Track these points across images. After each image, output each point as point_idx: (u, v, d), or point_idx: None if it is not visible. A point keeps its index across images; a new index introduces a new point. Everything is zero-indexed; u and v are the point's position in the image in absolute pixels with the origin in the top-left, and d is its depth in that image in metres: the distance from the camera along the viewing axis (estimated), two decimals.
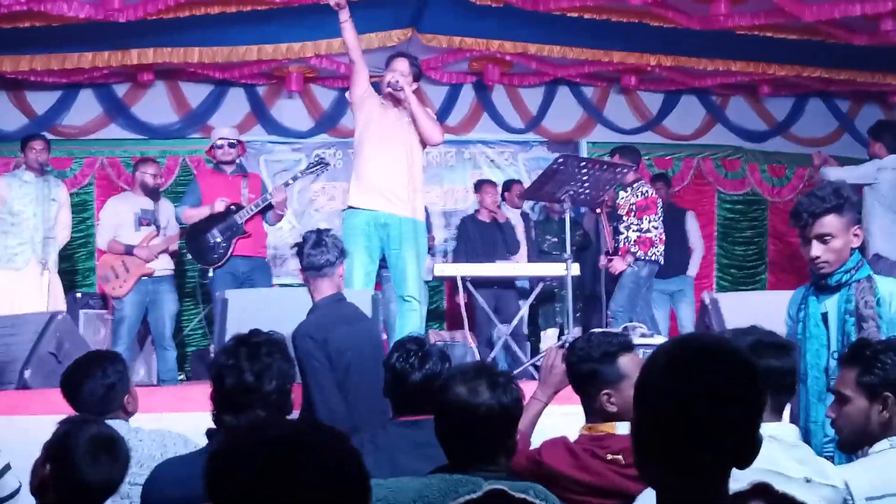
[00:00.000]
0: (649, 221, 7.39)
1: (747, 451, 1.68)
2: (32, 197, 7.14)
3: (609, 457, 2.82)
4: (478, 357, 7.56)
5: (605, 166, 6.62)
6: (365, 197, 5.73)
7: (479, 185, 8.57)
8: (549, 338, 7.96)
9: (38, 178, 7.20)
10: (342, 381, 4.02)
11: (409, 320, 5.66)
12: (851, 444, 2.94)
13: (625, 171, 7.03)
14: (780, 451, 2.62)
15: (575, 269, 6.80)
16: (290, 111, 9.46)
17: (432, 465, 2.63)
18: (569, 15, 7.60)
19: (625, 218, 7.35)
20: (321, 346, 4.01)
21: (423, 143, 5.87)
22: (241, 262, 7.01)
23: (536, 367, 6.78)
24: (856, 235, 3.52)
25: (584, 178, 6.39)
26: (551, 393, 3.31)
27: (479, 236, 8.25)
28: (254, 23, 7.70)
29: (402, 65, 5.84)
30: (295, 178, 7.57)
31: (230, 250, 6.98)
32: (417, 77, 6.01)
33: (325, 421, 3.68)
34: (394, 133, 5.76)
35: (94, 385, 3.40)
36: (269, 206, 7.04)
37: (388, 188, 5.67)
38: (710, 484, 1.67)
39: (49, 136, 8.76)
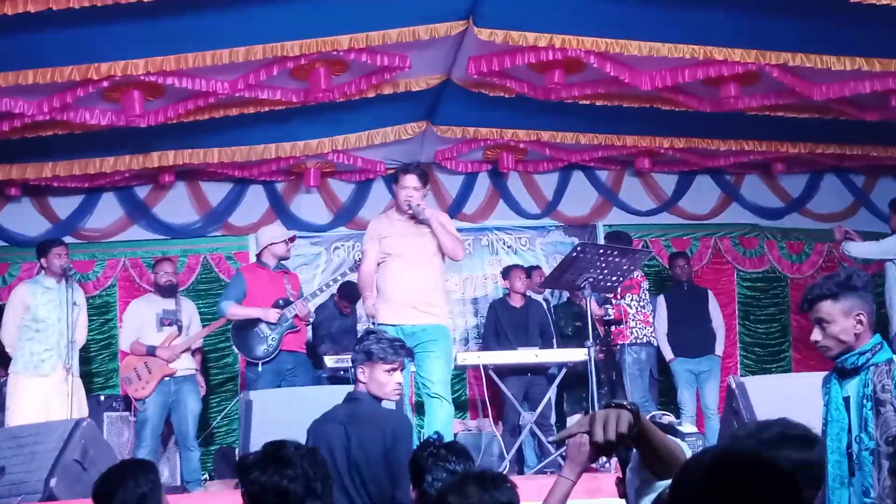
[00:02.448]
0: (636, 301, 7.43)
1: None
2: (56, 303, 7.20)
3: None
4: (503, 446, 7.49)
5: (623, 252, 6.62)
6: (392, 314, 5.88)
7: (508, 272, 8.50)
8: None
9: (59, 283, 7.26)
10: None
11: (438, 416, 5.74)
12: None
13: (643, 256, 7.04)
14: None
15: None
16: (309, 206, 9.55)
17: None
18: (580, 102, 7.69)
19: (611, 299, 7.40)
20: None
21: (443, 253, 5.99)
22: (286, 358, 7.01)
23: (564, 458, 6.70)
24: (858, 321, 3.53)
25: (603, 264, 6.38)
26: (579, 471, 3.23)
27: (510, 321, 8.17)
28: (271, 122, 7.82)
29: (412, 181, 5.93)
30: (335, 281, 7.68)
31: (279, 344, 6.98)
32: (426, 181, 6.13)
33: None
34: (412, 247, 5.91)
35: (126, 495, 3.36)
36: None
37: (413, 301, 5.82)
38: None
39: (72, 240, 8.91)
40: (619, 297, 7.40)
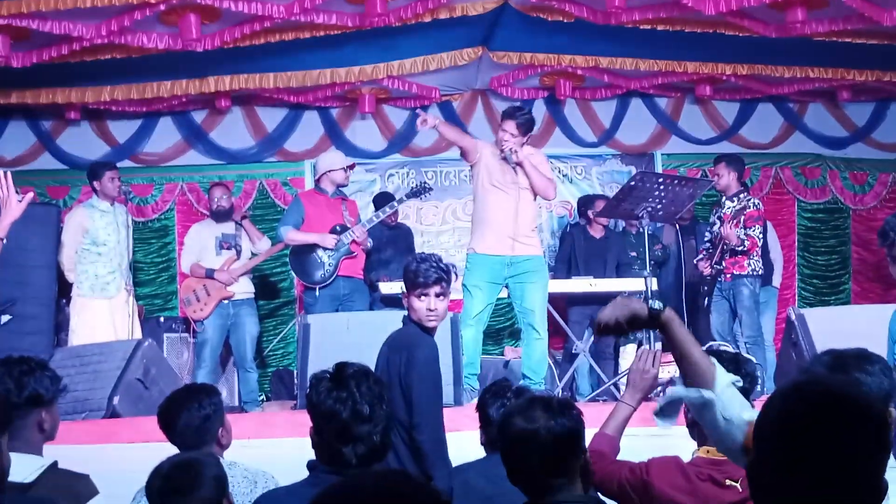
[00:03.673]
0: (757, 232, 7.27)
1: (872, 497, 1.63)
2: (114, 226, 7.31)
3: (728, 482, 2.76)
4: (555, 374, 7.51)
5: (683, 181, 6.54)
6: (490, 242, 6.19)
7: (592, 201, 8.29)
8: (628, 354, 7.84)
9: (112, 206, 7.36)
10: None
11: (535, 349, 6.10)
12: None
13: (703, 185, 6.94)
14: None
15: (654, 283, 6.72)
16: (363, 132, 9.51)
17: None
18: (641, 27, 7.52)
19: (734, 227, 7.17)
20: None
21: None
22: (343, 283, 7.07)
23: (617, 387, 6.72)
24: None
25: (662, 194, 6.31)
26: (640, 398, 3.23)
27: (586, 251, 8.04)
28: (327, 47, 7.78)
29: (510, 127, 6.17)
30: (400, 201, 7.66)
31: (336, 270, 7.03)
32: (530, 128, 6.34)
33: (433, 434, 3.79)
34: (511, 183, 6.16)
35: (191, 417, 3.43)
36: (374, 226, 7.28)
37: (511, 232, 6.09)
38: None
39: (130, 164, 9.02)
40: (750, 225, 7.21)
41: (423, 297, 4.04)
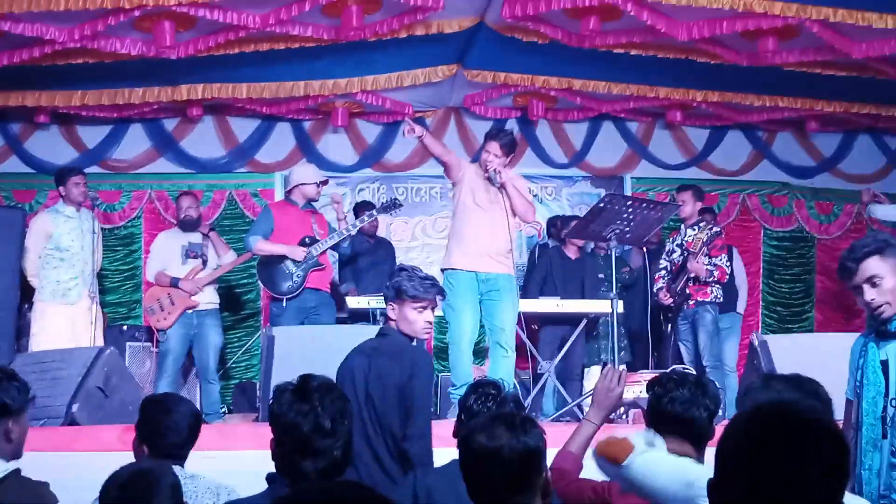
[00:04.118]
0: (724, 261, 7.37)
1: None
2: (78, 231, 7.25)
3: None
4: (519, 394, 7.49)
5: (651, 205, 6.58)
6: (467, 259, 6.21)
7: (567, 222, 8.22)
8: (592, 375, 7.87)
9: (78, 211, 7.30)
10: None
11: (502, 366, 6.11)
12: None
13: (671, 209, 6.99)
14: None
15: (620, 306, 6.74)
16: (336, 146, 9.51)
17: None
18: (615, 51, 7.58)
19: (698, 256, 7.25)
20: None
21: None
22: (310, 296, 7.02)
23: (580, 408, 6.72)
24: None
25: (630, 216, 6.34)
26: (604, 416, 3.24)
27: (563, 272, 7.98)
28: (302, 59, 7.77)
29: (494, 148, 6.19)
30: (370, 216, 7.63)
31: (304, 282, 6.99)
32: (513, 149, 6.39)
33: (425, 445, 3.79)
34: (492, 200, 6.21)
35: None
36: (344, 240, 7.20)
37: (488, 249, 6.15)
38: None
39: (98, 170, 8.94)
40: (716, 255, 7.32)
41: (421, 310, 4.07)
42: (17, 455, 3.12)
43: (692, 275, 7.30)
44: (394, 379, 3.89)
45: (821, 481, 1.63)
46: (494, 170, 6.13)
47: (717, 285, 7.42)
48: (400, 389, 3.87)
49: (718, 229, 7.62)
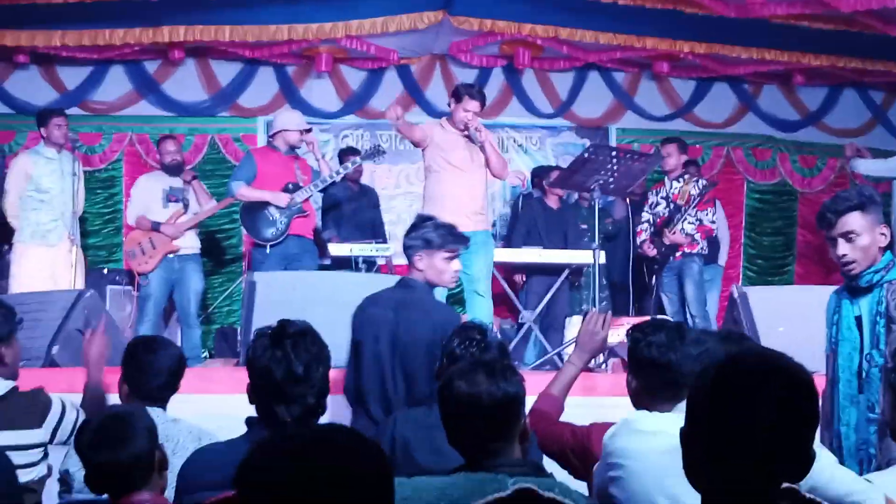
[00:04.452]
0: (707, 215, 7.41)
1: (800, 466, 1.66)
2: (59, 173, 7.16)
3: None
4: (504, 342, 7.54)
5: (635, 156, 6.56)
6: (447, 219, 6.09)
7: (548, 172, 8.25)
8: (573, 325, 7.90)
9: (59, 153, 7.22)
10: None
11: (480, 308, 6.21)
12: None
13: (655, 160, 6.99)
14: None
15: (602, 257, 6.76)
16: (319, 92, 9.43)
17: None
18: (602, 1, 7.53)
19: (685, 208, 7.30)
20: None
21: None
22: (293, 242, 6.98)
23: (561, 357, 6.77)
24: (882, 234, 3.47)
25: (615, 167, 6.33)
26: (587, 359, 3.27)
27: (546, 222, 8.00)
28: (285, 2, 7.69)
29: (474, 106, 6.22)
30: (354, 163, 7.57)
31: (288, 228, 6.95)
32: (484, 107, 6.44)
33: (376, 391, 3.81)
34: (464, 158, 6.26)
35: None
36: (329, 185, 7.18)
37: (462, 208, 6.14)
38: (757, 497, 1.65)
39: (79, 112, 8.84)
40: (703, 208, 7.36)
41: (450, 260, 4.10)
42: (13, 376, 3.53)
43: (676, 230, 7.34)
44: (426, 335, 3.88)
45: (796, 429, 1.64)
46: (476, 128, 6.14)
47: (704, 240, 7.48)
48: (429, 346, 3.87)
49: (707, 182, 7.63)
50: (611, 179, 6.41)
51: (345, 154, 8.24)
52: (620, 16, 7.94)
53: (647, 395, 2.94)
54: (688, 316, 7.34)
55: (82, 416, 3.51)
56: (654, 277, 7.62)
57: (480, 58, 9.35)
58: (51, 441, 3.51)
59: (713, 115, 9.81)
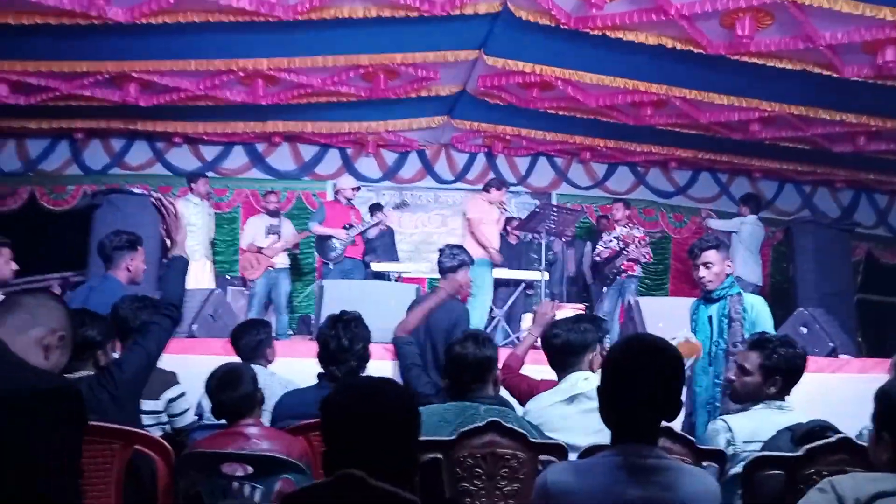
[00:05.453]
0: (646, 248, 7.37)
1: (672, 410, 1.68)
2: (201, 214, 7.21)
3: None
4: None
5: (569, 211, 6.61)
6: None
7: (509, 220, 8.06)
8: (526, 318, 7.88)
9: (201, 201, 7.25)
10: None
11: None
12: (741, 400, 2.77)
13: (580, 214, 6.99)
14: None
15: (546, 276, 6.78)
16: (367, 165, 9.43)
17: None
18: (549, 111, 7.59)
19: (630, 245, 7.24)
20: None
21: None
22: (347, 262, 7.03)
23: (518, 339, 6.75)
24: (728, 266, 3.54)
25: (555, 218, 6.37)
26: (541, 331, 3.26)
27: (507, 252, 7.92)
28: (347, 108, 7.73)
29: (503, 196, 6.60)
30: (380, 206, 7.59)
31: (344, 252, 6.99)
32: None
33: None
34: (497, 221, 6.57)
35: (250, 339, 3.41)
36: (369, 228, 7.20)
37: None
38: (646, 429, 1.66)
39: (213, 175, 8.86)
40: (643, 245, 7.27)
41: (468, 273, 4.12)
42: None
43: (625, 258, 7.22)
44: (443, 323, 3.87)
45: (666, 384, 1.66)
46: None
47: (640, 265, 7.39)
48: (447, 332, 3.87)
49: (645, 231, 7.69)
50: (552, 226, 6.45)
51: (374, 208, 8.21)
52: (560, 121, 7.99)
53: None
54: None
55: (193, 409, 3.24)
56: (604, 288, 7.42)
57: (470, 146, 9.40)
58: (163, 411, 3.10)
59: (619, 186, 9.81)
